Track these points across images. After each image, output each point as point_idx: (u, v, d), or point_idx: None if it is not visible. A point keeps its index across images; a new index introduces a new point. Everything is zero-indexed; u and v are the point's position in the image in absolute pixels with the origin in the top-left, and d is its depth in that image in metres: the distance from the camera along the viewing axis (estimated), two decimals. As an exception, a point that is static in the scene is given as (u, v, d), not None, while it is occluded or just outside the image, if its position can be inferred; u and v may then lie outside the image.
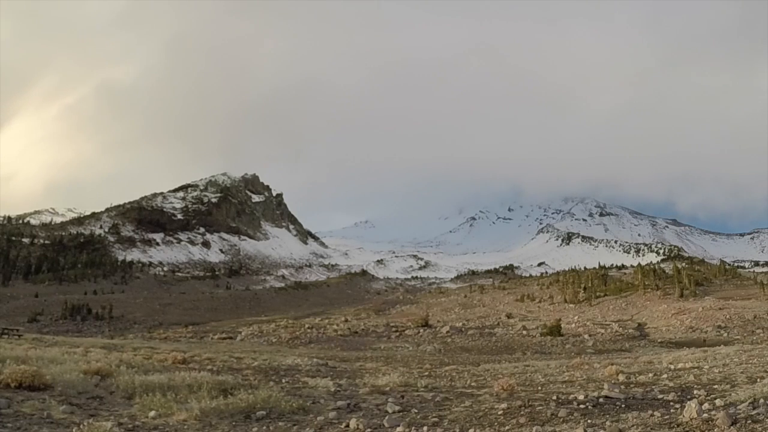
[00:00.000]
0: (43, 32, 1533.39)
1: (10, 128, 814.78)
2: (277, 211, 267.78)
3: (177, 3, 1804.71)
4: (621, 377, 12.02)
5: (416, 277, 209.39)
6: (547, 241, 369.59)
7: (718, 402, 6.75)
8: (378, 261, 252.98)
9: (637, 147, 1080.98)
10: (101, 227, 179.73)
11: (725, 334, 42.33)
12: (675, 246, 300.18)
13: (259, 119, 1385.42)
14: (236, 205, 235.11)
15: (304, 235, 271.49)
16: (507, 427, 6.79)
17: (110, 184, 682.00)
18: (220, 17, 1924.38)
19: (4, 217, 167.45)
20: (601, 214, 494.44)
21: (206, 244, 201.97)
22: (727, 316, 51.03)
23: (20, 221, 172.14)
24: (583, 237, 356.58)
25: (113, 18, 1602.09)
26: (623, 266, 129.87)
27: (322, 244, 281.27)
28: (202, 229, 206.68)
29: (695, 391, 8.70)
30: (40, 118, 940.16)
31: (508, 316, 69.14)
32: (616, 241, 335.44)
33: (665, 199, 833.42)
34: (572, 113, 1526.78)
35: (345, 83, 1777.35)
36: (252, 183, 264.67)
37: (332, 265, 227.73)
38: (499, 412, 7.64)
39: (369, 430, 6.93)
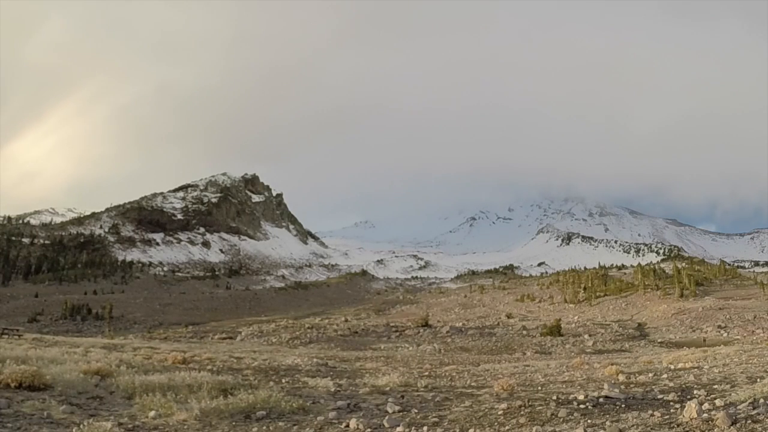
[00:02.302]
0: (103, 32, 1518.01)
1: (47, 125, 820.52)
2: (277, 211, 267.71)
3: (254, 8, 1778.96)
4: (621, 377, 12.02)
5: (416, 277, 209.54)
6: (547, 241, 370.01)
7: (718, 402, 6.74)
8: (378, 261, 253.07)
9: (687, 156, 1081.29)
10: (101, 227, 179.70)
11: (725, 334, 42.31)
12: (675, 246, 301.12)
13: (289, 125, 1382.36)
14: (236, 205, 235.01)
15: (304, 235, 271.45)
16: (507, 427, 6.79)
17: (132, 184, 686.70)
18: (300, 26, 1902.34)
19: (4, 217, 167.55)
20: (601, 214, 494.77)
21: (206, 244, 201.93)
22: (727, 316, 51.07)
23: (20, 221, 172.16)
24: (583, 237, 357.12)
25: (179, 19, 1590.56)
26: (623, 266, 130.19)
27: (322, 244, 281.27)
28: (202, 229, 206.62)
29: (695, 391, 8.69)
30: (85, 117, 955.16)
31: (508, 316, 69.19)
32: (616, 241, 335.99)
33: (705, 207, 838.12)
34: (628, 122, 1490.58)
35: (372, 82, 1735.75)
36: (252, 183, 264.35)
37: (332, 265, 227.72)
38: (499, 412, 7.64)
39: (369, 430, 6.92)
